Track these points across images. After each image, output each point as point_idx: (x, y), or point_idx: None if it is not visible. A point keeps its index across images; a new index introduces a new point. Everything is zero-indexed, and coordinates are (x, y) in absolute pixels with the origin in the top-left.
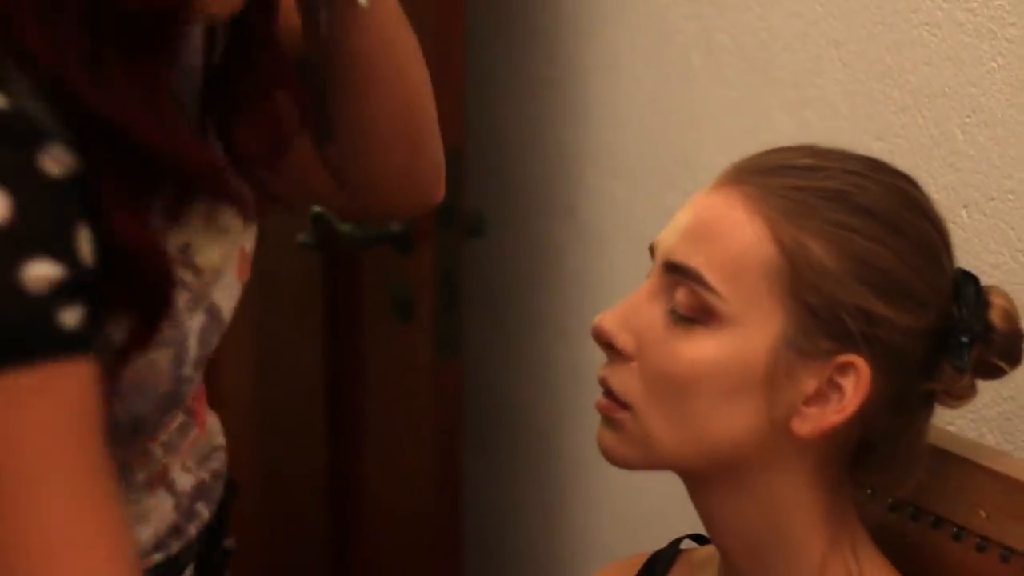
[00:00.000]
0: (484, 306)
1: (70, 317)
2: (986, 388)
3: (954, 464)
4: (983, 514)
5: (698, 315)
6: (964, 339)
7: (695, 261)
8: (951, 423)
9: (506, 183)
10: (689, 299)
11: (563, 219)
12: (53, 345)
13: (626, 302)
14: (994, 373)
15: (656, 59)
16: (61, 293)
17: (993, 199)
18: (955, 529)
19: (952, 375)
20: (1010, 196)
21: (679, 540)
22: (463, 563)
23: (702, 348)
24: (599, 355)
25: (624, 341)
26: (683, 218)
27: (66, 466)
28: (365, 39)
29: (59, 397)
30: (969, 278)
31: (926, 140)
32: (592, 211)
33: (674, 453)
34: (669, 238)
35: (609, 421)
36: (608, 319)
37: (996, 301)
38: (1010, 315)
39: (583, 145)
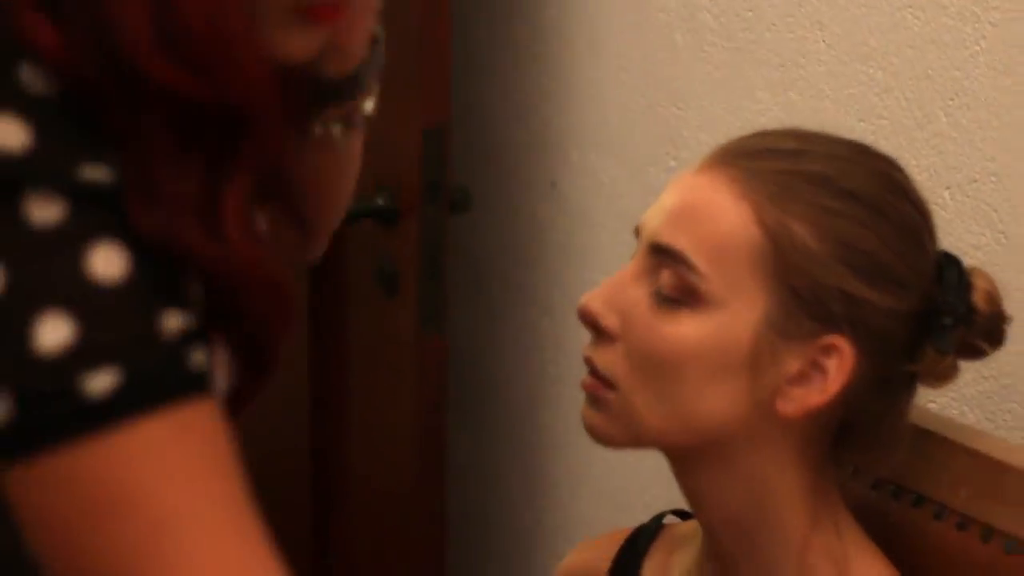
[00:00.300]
0: (468, 282)
1: (198, 358)
2: (967, 367)
3: (935, 443)
4: (964, 493)
5: (683, 296)
6: (947, 321)
7: (680, 243)
8: (932, 401)
9: (491, 159)
10: (674, 280)
11: (546, 195)
12: (188, 387)
13: (611, 282)
14: (976, 354)
15: (640, 37)
16: (190, 337)
17: (975, 181)
18: (936, 507)
19: (935, 357)
20: (992, 178)
21: (662, 515)
22: (447, 539)
23: (687, 329)
24: (584, 331)
25: (610, 321)
26: (668, 200)
27: (218, 505)
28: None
29: (199, 436)
30: (952, 261)
31: (909, 122)
32: (575, 187)
33: (658, 432)
34: (654, 219)
35: (594, 400)
36: (593, 299)
37: (979, 284)
38: (993, 297)
39: (567, 121)
